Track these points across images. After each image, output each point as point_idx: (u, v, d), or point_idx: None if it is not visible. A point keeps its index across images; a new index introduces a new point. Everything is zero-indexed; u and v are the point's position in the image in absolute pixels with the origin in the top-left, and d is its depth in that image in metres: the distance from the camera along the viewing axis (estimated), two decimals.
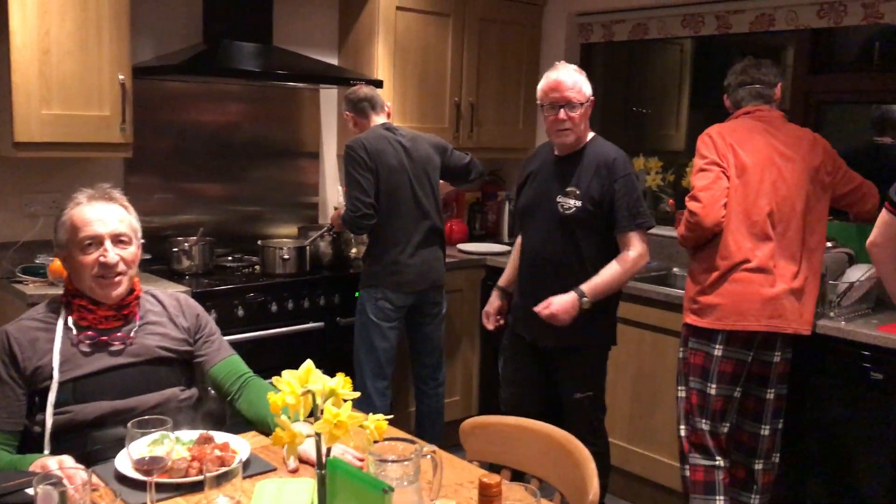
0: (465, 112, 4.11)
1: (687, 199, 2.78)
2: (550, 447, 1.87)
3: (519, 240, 3.05)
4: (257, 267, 3.56)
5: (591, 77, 4.46)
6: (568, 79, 2.71)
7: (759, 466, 2.84)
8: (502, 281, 3.12)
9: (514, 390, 2.99)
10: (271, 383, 1.41)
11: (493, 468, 1.90)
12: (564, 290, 2.72)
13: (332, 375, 1.36)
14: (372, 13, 3.80)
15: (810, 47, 3.63)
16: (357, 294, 3.38)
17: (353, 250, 3.83)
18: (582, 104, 2.71)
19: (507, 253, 4.13)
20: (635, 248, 2.71)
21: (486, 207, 4.59)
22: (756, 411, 2.83)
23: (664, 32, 4.02)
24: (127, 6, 3.03)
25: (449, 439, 2.82)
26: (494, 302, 3.09)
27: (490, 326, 3.09)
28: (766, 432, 2.82)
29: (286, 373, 1.34)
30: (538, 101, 2.80)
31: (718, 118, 2.98)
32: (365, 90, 3.36)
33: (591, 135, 2.82)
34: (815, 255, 2.79)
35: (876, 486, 2.74)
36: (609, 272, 2.72)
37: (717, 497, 2.79)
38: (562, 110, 2.69)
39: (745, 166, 2.72)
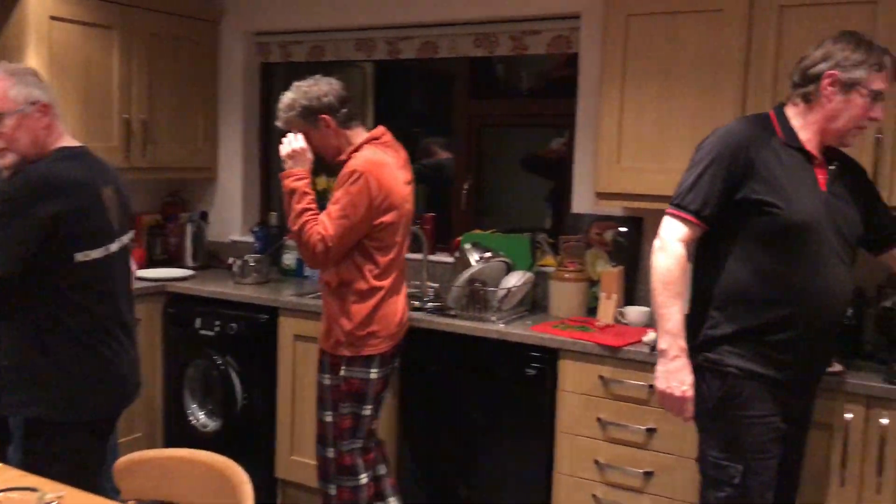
0: (137, 130, 3.89)
1: (318, 239, 2.71)
2: (210, 475, 1.81)
3: None
4: None
5: (272, 97, 4.52)
6: None
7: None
8: None
9: None
10: None
11: None
12: None
13: None
14: (21, 23, 3.46)
15: (471, 74, 3.94)
16: None
17: None
18: (5, 114, 2.20)
19: (191, 277, 3.98)
20: None
21: (167, 230, 4.38)
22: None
23: (339, 55, 4.12)
24: None
25: None
26: None
27: None
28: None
29: None
30: None
31: (402, 140, 3.03)
32: None
33: (59, 145, 2.33)
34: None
35: (534, 477, 3.02)
36: None
37: None
38: None
39: (394, 205, 2.80)
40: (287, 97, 2.90)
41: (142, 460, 1.89)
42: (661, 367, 2.23)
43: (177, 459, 1.87)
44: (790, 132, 2.23)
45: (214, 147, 4.39)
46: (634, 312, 3.13)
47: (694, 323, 2.28)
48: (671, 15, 2.93)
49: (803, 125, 2.24)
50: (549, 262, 3.48)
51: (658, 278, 2.24)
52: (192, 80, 4.20)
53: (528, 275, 3.32)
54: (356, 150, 2.83)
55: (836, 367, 2.54)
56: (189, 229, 4.25)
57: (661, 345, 2.23)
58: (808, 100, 2.22)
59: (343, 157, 2.85)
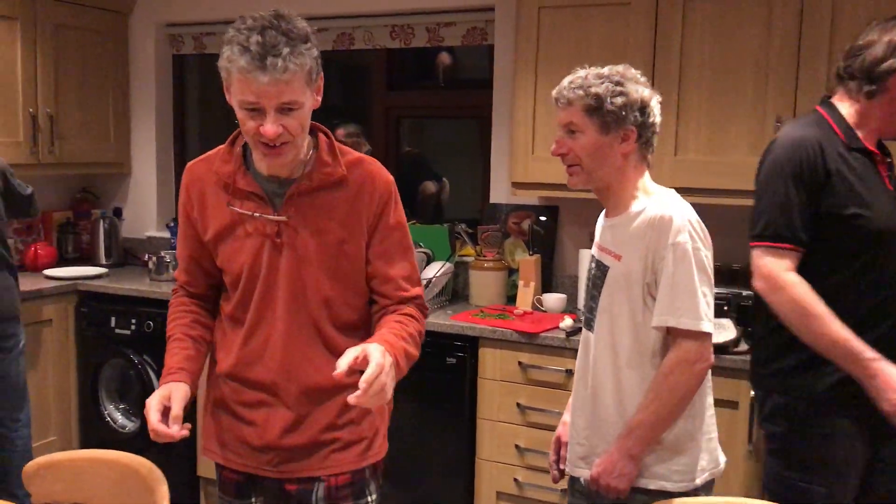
0: (44, 124, 3.76)
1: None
2: (125, 475, 1.78)
3: None
4: None
5: (185, 89, 4.43)
6: None
7: None
8: None
9: None
10: None
11: None
12: None
13: None
14: None
15: (387, 66, 3.94)
16: None
17: None
18: None
19: (105, 275, 3.88)
20: None
21: (80, 227, 4.25)
22: None
23: None
24: None
25: None
26: None
27: None
28: None
29: None
30: None
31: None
32: None
33: None
34: None
35: (457, 464, 3.05)
36: None
37: None
38: None
39: None
40: None
41: (51, 463, 1.85)
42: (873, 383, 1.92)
43: (88, 461, 1.83)
44: (850, 133, 2.04)
45: (127, 141, 4.28)
46: (552, 299, 3.20)
47: (768, 345, 2.10)
48: (581, 7, 3.00)
49: (861, 122, 2.04)
50: (468, 251, 3.52)
51: (801, 314, 1.96)
52: (101, 72, 4.08)
53: (448, 265, 3.35)
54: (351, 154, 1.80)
55: (743, 347, 2.66)
56: (101, 226, 4.14)
57: (877, 365, 1.91)
58: (872, 96, 2.02)
59: (338, 166, 1.74)
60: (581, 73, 1.88)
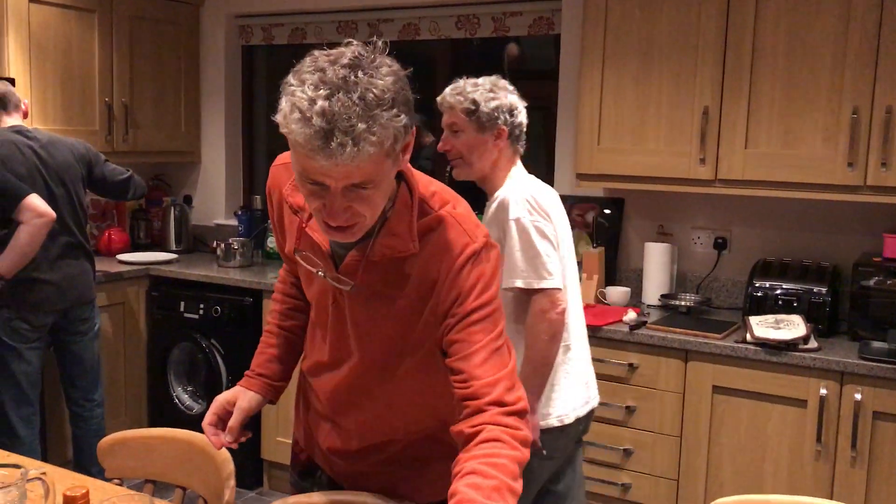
0: (119, 114, 3.88)
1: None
2: (192, 453, 1.83)
3: None
4: None
5: (254, 80, 4.51)
6: None
7: None
8: None
9: None
10: None
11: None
12: None
13: None
14: (0, 5, 3.44)
15: (452, 56, 3.94)
16: None
17: None
18: None
19: (175, 261, 3.99)
20: None
21: (151, 214, 4.38)
22: None
23: (321, 38, 4.12)
24: None
25: None
26: None
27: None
28: None
29: None
30: None
31: None
32: None
33: None
34: None
35: None
36: None
37: None
38: None
39: None
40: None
41: (125, 440, 1.91)
42: None
43: (160, 439, 1.89)
44: None
45: (197, 131, 4.38)
46: (616, 293, 3.16)
47: None
48: None
49: None
50: None
51: None
52: (174, 63, 4.19)
53: None
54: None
55: (812, 344, 2.59)
56: (173, 213, 4.25)
57: None
58: None
59: (410, 241, 1.39)
60: (460, 82, 2.19)
